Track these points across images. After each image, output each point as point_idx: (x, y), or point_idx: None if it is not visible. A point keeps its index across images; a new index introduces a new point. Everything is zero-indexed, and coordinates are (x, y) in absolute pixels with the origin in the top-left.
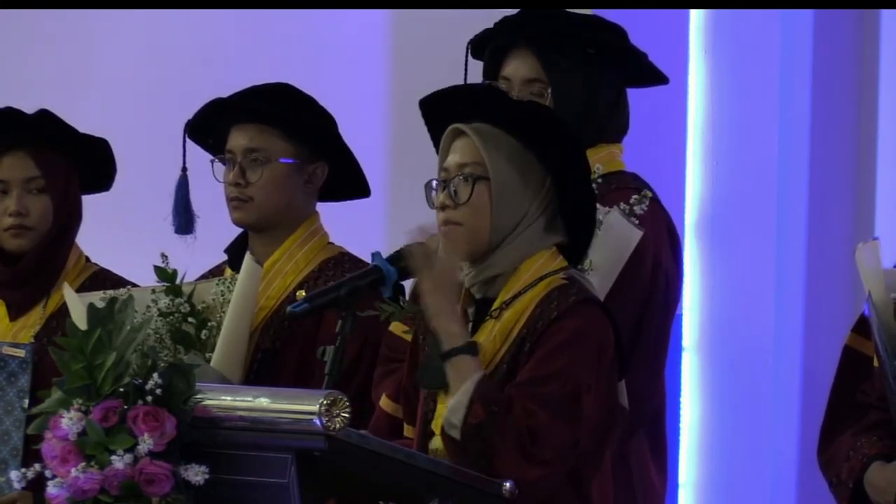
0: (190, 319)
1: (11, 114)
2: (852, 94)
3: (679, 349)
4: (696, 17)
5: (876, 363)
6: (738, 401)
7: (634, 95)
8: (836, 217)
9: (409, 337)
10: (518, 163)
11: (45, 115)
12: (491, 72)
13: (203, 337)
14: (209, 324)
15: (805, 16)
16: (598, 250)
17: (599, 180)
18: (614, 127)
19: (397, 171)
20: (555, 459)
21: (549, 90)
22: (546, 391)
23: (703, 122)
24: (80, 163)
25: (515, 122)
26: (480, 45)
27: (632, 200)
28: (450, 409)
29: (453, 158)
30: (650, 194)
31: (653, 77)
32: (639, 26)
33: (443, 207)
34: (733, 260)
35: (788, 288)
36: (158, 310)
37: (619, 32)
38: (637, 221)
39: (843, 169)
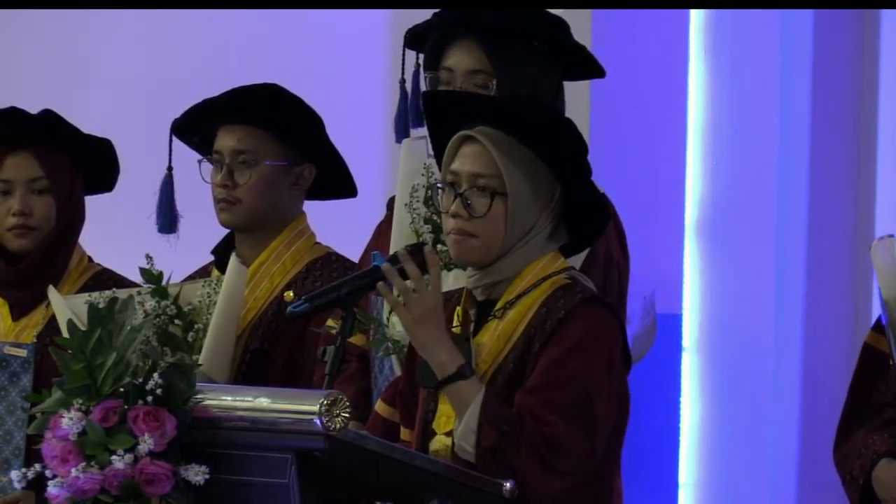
0: (176, 321)
1: (15, 114)
2: (852, 94)
3: (679, 349)
4: (696, 17)
5: (892, 361)
6: (738, 401)
7: (634, 96)
8: (836, 217)
9: (356, 340)
10: (531, 175)
11: (49, 116)
12: (432, 62)
13: (190, 339)
14: (196, 326)
15: (805, 16)
16: None
17: None
18: None
19: (397, 171)
20: (575, 469)
21: (494, 82)
22: (558, 397)
23: (703, 122)
24: (84, 163)
25: (529, 133)
26: (419, 36)
27: None
28: (459, 436)
29: (465, 165)
30: (600, 191)
31: (592, 70)
32: (639, 26)
33: (454, 216)
34: (733, 260)
35: (788, 288)
36: (144, 311)
37: (562, 26)
38: None
39: (843, 169)
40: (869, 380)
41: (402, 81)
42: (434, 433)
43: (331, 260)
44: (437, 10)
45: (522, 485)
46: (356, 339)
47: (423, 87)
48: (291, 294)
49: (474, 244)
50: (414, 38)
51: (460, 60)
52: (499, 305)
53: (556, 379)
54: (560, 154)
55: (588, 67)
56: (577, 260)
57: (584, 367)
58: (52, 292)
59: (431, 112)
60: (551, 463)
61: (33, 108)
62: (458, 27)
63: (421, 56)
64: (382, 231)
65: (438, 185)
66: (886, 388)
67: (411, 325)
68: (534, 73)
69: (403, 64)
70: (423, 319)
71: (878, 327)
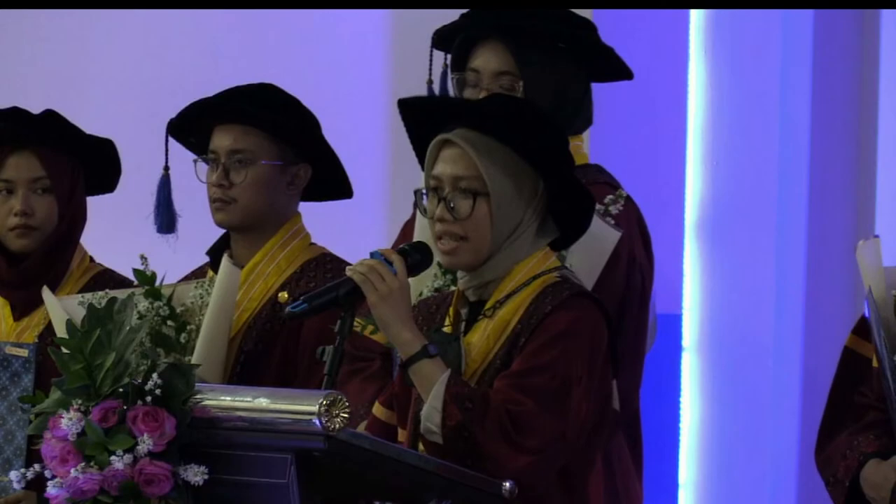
0: (169, 322)
1: (17, 114)
2: (852, 94)
3: (679, 349)
4: (696, 17)
5: (875, 363)
6: (738, 401)
7: (634, 96)
8: (836, 217)
9: (377, 337)
10: (513, 172)
11: (50, 116)
12: (459, 63)
13: (182, 340)
14: (188, 327)
15: (805, 16)
16: (577, 252)
17: None
18: (580, 121)
19: (397, 171)
20: (542, 448)
21: (521, 84)
22: (534, 382)
23: (703, 122)
24: (86, 163)
25: (506, 131)
26: (446, 37)
27: (606, 200)
28: (425, 416)
29: (446, 169)
30: (625, 194)
31: (620, 72)
32: (639, 26)
33: (440, 220)
34: (733, 260)
35: (788, 288)
36: (138, 312)
37: (590, 27)
38: (613, 222)
39: (843, 169)
40: (850, 383)
41: (430, 82)
42: None
43: (325, 260)
44: (464, 11)
45: (490, 463)
46: (378, 338)
47: (451, 89)
48: (286, 295)
49: (464, 247)
50: (441, 39)
51: (487, 62)
52: (489, 305)
53: (533, 366)
54: (539, 148)
55: (616, 69)
56: (601, 261)
57: (563, 357)
58: (46, 293)
59: (408, 119)
60: (517, 440)
61: (35, 109)
62: (485, 28)
63: (449, 57)
64: (407, 230)
65: (422, 191)
66: (869, 391)
67: (376, 303)
68: (560, 75)
69: (431, 65)
70: (387, 298)
71: (858, 331)
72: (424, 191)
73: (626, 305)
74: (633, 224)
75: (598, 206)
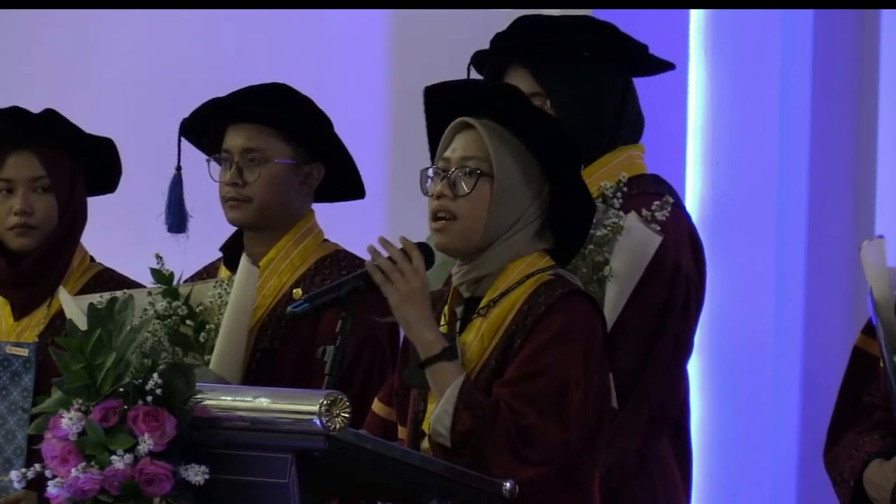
0: (188, 322)
1: (17, 113)
2: (852, 94)
3: None
4: (696, 17)
5: (882, 363)
6: (738, 401)
7: None
8: (836, 217)
9: None
10: (522, 165)
11: (51, 115)
12: None
13: (201, 339)
14: (207, 326)
15: (805, 16)
16: (617, 256)
17: (625, 188)
18: (628, 126)
19: (397, 170)
20: (548, 459)
21: (548, 102)
22: (533, 388)
23: (703, 122)
24: (86, 163)
25: (524, 126)
26: (480, 63)
27: (653, 207)
28: (435, 418)
29: (457, 150)
30: (672, 200)
31: (654, 66)
32: (639, 26)
33: (439, 197)
34: (733, 260)
35: (788, 288)
36: (156, 312)
37: (610, 30)
38: (658, 227)
39: (843, 169)
40: (859, 383)
41: None
42: (424, 433)
43: (339, 258)
44: (492, 37)
45: (494, 471)
46: None
47: None
48: (300, 292)
49: (453, 227)
50: (477, 66)
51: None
52: (483, 303)
53: (531, 370)
54: (552, 150)
55: (652, 64)
56: (641, 265)
57: (559, 359)
58: (63, 293)
59: (432, 104)
60: (523, 453)
61: (35, 108)
62: (506, 53)
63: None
64: None
65: (429, 172)
66: (876, 391)
67: (398, 303)
68: (589, 84)
69: None
70: (409, 297)
71: (867, 330)
72: (430, 172)
73: (667, 313)
74: (681, 231)
75: (643, 212)
